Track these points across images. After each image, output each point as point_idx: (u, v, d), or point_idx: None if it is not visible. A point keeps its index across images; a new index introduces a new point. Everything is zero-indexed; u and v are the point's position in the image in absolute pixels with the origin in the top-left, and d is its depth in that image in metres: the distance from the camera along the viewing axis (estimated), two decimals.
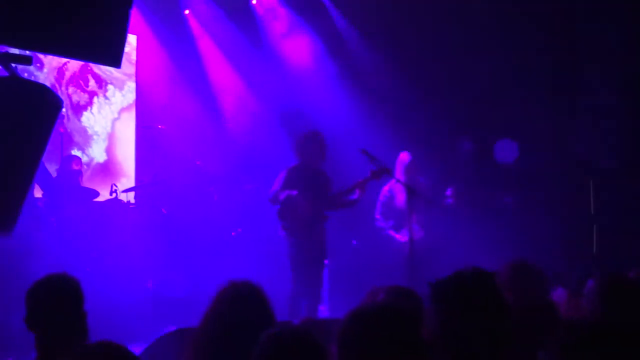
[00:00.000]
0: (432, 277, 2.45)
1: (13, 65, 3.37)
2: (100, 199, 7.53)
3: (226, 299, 2.73)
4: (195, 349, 2.69)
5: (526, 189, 8.11)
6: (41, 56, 8.18)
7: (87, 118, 8.88)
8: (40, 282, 2.94)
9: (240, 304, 2.70)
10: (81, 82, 8.86)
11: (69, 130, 8.45)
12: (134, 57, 9.27)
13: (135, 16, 8.76)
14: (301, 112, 8.58)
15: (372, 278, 6.25)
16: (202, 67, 9.41)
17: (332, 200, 6.45)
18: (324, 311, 7.12)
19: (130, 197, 8.28)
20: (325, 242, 6.46)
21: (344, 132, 8.10)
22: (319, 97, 8.76)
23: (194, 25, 9.42)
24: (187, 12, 9.33)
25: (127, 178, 9.06)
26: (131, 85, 9.31)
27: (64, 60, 8.46)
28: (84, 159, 8.49)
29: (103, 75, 9.07)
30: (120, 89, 9.22)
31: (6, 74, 3.36)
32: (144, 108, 9.28)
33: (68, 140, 8.33)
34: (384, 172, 6.33)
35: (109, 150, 9.05)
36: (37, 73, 8.33)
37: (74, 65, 8.70)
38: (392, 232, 7.02)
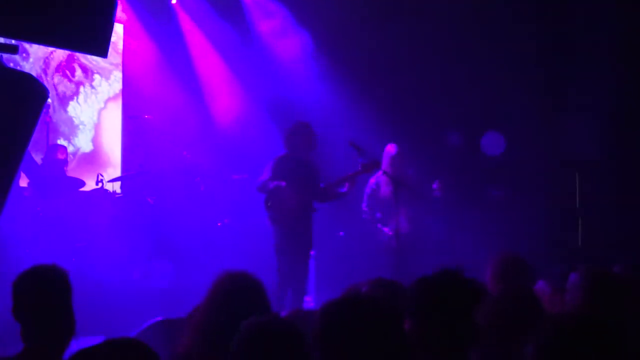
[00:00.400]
0: (418, 269, 2.48)
1: None
2: (86, 188, 7.50)
3: (223, 290, 2.72)
4: (191, 340, 2.68)
5: (512, 182, 8.15)
6: (27, 46, 8.09)
7: (73, 108, 8.82)
8: (26, 273, 2.88)
9: (237, 295, 2.70)
10: (67, 71, 8.79)
11: (54, 120, 8.39)
12: (120, 46, 9.21)
13: (122, 5, 8.70)
14: (289, 103, 8.56)
15: (358, 270, 6.29)
16: (189, 57, 9.35)
17: (322, 192, 6.44)
18: (309, 302, 7.13)
19: (117, 187, 8.24)
20: (311, 233, 6.44)
21: (332, 124, 8.10)
22: (307, 88, 8.74)
23: (181, 14, 9.36)
24: (174, 1, 9.28)
25: (114, 168, 9.01)
26: (118, 75, 9.26)
27: (50, 49, 8.39)
28: (70, 148, 8.44)
29: (89, 65, 9.00)
30: (107, 78, 9.16)
31: None
32: (130, 98, 9.23)
33: (54, 130, 8.27)
34: (375, 165, 6.32)
35: (95, 140, 9.00)
36: (23, 63, 8.26)
37: (60, 54, 8.63)
38: (379, 225, 7.03)
